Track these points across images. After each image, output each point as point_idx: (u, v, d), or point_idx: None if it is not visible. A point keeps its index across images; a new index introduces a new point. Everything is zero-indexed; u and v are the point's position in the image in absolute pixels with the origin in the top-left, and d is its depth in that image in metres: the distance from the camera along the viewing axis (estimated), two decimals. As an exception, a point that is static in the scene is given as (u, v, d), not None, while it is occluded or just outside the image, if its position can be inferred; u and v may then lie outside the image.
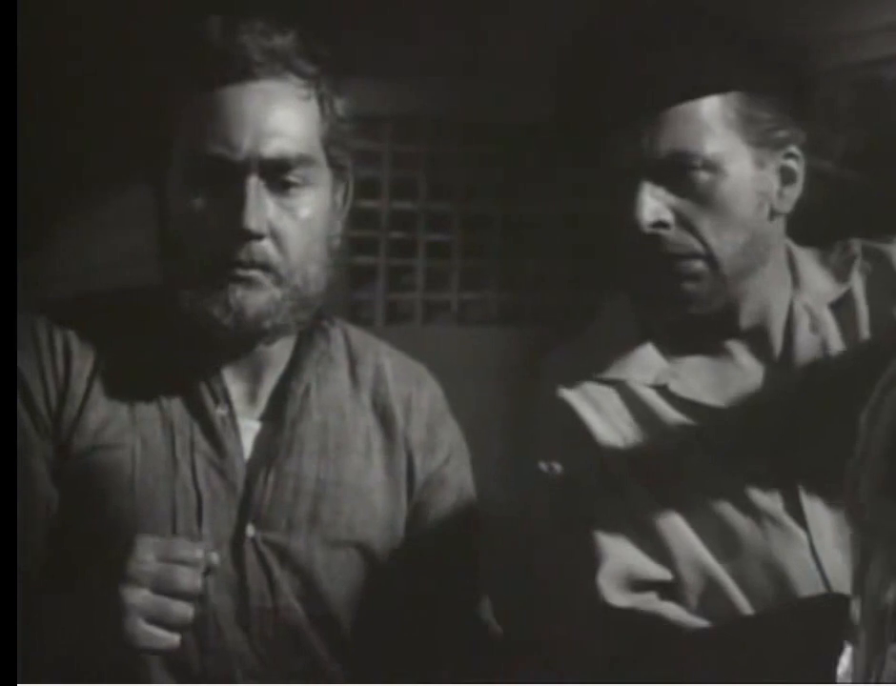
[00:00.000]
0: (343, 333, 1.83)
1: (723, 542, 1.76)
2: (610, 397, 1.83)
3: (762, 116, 1.76)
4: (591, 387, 1.83)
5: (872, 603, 1.33)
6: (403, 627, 1.77)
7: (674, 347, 1.84)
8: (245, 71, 1.65)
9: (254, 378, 1.74)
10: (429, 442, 1.80)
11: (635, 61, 1.73)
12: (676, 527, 1.77)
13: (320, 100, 1.70)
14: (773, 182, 1.79)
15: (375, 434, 1.78)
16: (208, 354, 1.72)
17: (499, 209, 2.56)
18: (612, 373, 1.84)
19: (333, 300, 2.44)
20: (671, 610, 1.75)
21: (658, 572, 1.76)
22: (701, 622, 1.73)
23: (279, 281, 1.68)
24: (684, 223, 1.76)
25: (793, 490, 1.77)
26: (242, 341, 1.71)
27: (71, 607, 1.58)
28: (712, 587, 1.75)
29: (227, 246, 1.66)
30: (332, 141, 1.72)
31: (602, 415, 1.82)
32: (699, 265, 1.76)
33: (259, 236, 1.65)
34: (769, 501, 1.77)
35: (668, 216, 1.75)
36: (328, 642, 1.71)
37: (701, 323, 1.81)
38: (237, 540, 1.67)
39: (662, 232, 1.75)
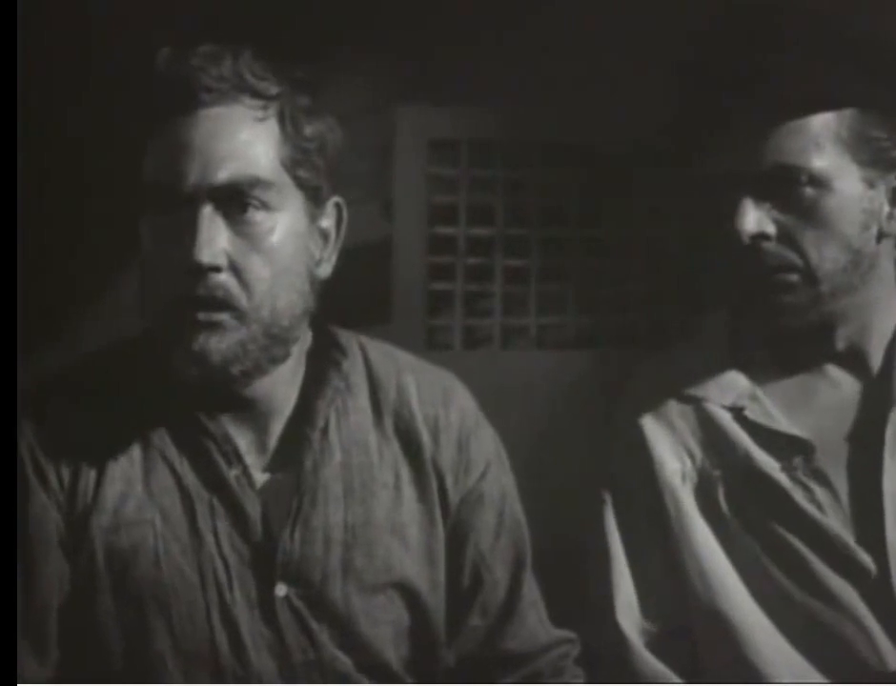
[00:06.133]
0: (362, 353, 1.75)
1: (792, 576, 1.75)
2: (687, 416, 1.82)
3: (876, 135, 1.74)
4: (670, 405, 1.83)
5: None
6: (457, 660, 1.73)
7: (763, 367, 1.82)
8: (192, 100, 1.59)
9: (259, 426, 1.67)
10: (461, 461, 1.72)
11: (747, 70, 1.71)
12: (708, 568, 1.76)
13: (280, 120, 1.62)
14: (883, 203, 1.77)
15: (402, 464, 1.71)
16: (208, 409, 1.64)
17: (577, 232, 2.56)
18: (692, 391, 1.83)
19: (408, 322, 2.48)
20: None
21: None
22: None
23: (243, 318, 1.59)
24: (786, 237, 1.74)
25: (876, 518, 1.76)
26: (235, 389, 1.64)
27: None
28: (723, 634, 1.75)
29: (185, 283, 1.57)
30: (297, 162, 1.63)
31: (675, 438, 1.81)
32: (796, 278, 1.75)
33: (216, 269, 1.57)
34: (843, 530, 1.75)
35: (770, 228, 1.74)
36: None
37: (794, 339, 1.80)
38: (268, 601, 1.62)
39: (763, 244, 1.74)
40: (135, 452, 1.63)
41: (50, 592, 1.61)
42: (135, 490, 1.62)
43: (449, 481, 1.72)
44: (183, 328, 1.58)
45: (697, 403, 1.83)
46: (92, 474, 1.62)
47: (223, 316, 1.58)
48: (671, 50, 1.83)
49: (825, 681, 1.71)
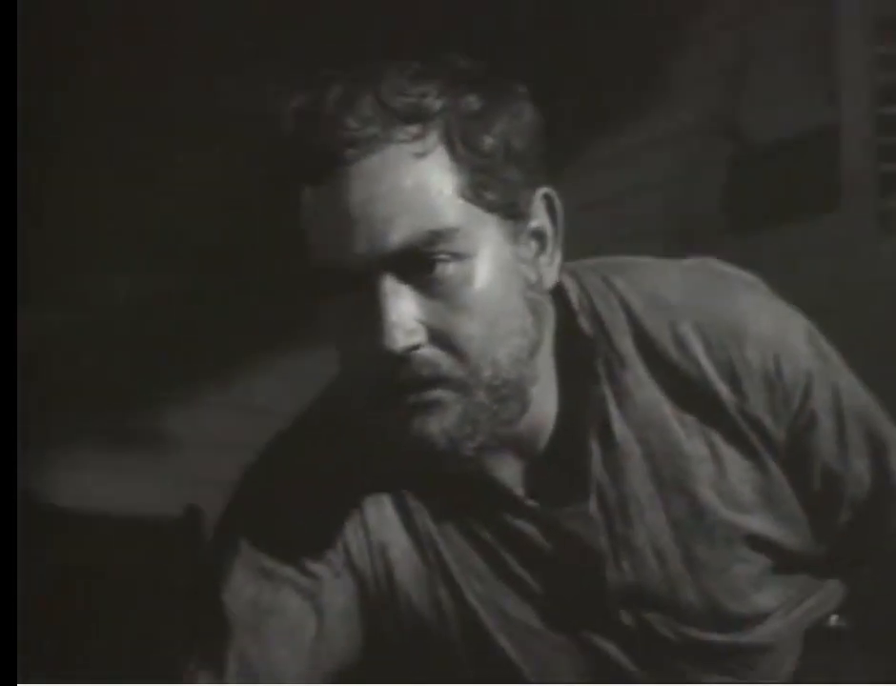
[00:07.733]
0: (624, 312, 1.43)
1: None
2: None
3: None
4: None
5: None
6: (832, 555, 1.50)
7: None
8: (337, 161, 1.31)
9: (527, 451, 1.42)
10: (775, 397, 1.44)
11: None
12: None
13: (448, 144, 1.32)
14: None
15: (709, 429, 1.44)
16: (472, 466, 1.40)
17: None
18: None
19: (858, 208, 2.44)
20: None
21: None
22: None
23: (462, 388, 1.32)
24: None
25: None
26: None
27: None
28: None
29: (383, 372, 1.32)
30: (480, 185, 1.33)
31: None
32: None
33: (414, 348, 1.31)
34: None
35: None
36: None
37: None
38: (618, 628, 1.44)
39: None
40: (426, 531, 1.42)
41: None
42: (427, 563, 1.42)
43: (768, 422, 1.45)
44: (394, 412, 1.33)
45: None
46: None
47: (438, 393, 1.33)
48: None
49: None
